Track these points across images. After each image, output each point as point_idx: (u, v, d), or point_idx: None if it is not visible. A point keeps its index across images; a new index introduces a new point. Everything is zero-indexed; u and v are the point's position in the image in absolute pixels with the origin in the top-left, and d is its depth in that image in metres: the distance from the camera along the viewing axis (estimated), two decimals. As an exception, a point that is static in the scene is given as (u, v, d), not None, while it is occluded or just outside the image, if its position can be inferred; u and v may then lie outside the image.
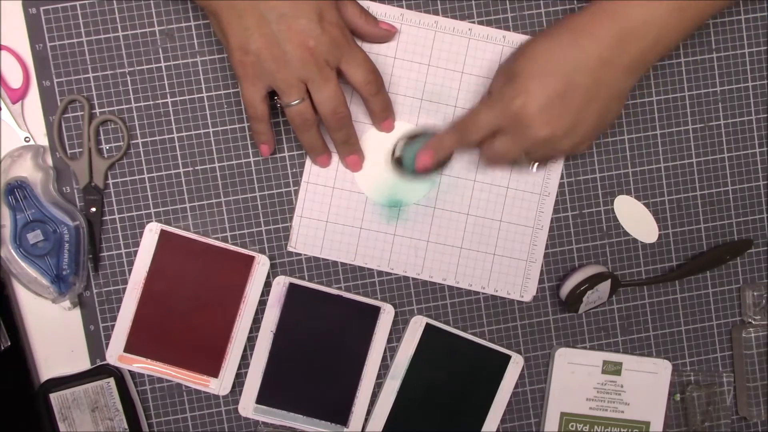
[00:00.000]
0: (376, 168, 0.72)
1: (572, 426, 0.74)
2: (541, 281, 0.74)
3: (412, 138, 0.70)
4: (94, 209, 0.71)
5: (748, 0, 0.73)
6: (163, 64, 0.70)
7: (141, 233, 0.71)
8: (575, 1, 0.72)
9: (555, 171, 0.73)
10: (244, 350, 0.72)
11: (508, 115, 0.63)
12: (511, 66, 0.65)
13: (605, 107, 0.64)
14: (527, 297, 0.74)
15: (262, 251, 0.72)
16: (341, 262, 0.73)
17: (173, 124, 0.71)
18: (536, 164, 0.72)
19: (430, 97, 0.72)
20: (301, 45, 0.61)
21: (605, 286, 0.71)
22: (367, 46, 0.70)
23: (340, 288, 0.73)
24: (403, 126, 0.72)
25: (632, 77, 0.64)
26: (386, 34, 0.70)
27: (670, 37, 0.62)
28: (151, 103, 0.71)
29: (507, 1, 0.72)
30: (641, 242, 0.74)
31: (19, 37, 0.70)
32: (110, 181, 0.71)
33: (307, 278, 0.72)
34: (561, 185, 0.73)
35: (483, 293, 0.74)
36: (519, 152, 0.66)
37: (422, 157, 0.68)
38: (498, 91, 0.65)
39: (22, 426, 0.71)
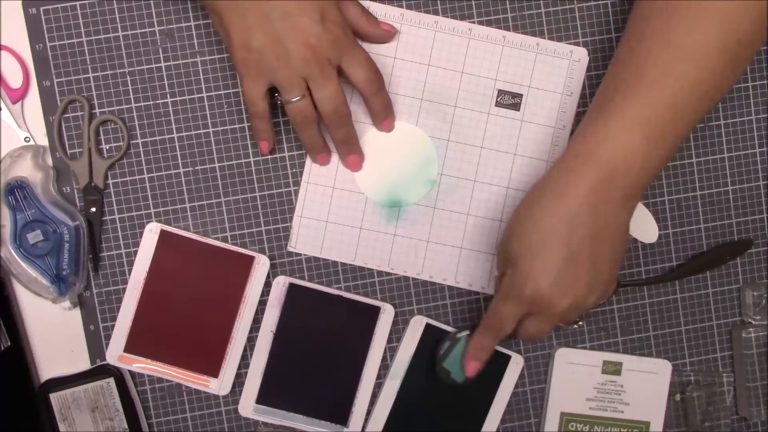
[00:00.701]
0: (376, 168, 0.72)
1: (572, 426, 0.74)
2: (541, 281, 0.74)
3: (448, 346, 0.70)
4: (94, 209, 0.71)
5: (747, 0, 0.73)
6: (163, 64, 0.70)
7: (141, 233, 0.71)
8: (575, 2, 0.72)
9: (555, 171, 0.73)
10: (244, 350, 0.72)
11: (526, 303, 0.61)
12: (506, 249, 0.63)
13: (613, 247, 0.61)
14: (527, 297, 0.74)
15: (262, 251, 0.72)
16: (341, 262, 0.73)
17: (173, 124, 0.71)
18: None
19: (430, 97, 0.72)
20: (303, 43, 0.61)
21: (605, 286, 0.71)
22: (367, 46, 0.70)
23: (340, 288, 0.73)
24: (403, 126, 0.72)
25: (628, 209, 0.62)
26: (387, 35, 0.70)
27: (655, 162, 0.60)
28: (151, 103, 0.71)
29: (507, 1, 0.72)
30: (641, 242, 0.74)
31: (19, 37, 0.70)
32: (110, 181, 0.71)
33: (307, 278, 0.73)
34: (561, 185, 0.73)
35: (483, 293, 0.74)
36: (552, 326, 0.64)
37: (472, 366, 0.67)
38: (508, 281, 0.62)
39: (22, 426, 0.71)
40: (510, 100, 0.72)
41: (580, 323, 0.72)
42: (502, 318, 0.63)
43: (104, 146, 0.71)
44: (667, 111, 0.59)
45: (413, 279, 0.73)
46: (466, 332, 0.69)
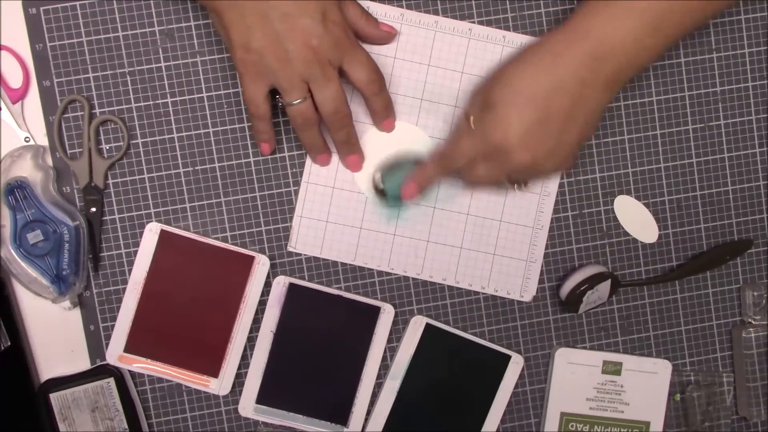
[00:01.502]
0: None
1: (572, 426, 0.74)
2: (541, 281, 0.74)
3: (391, 167, 0.71)
4: (94, 209, 0.71)
5: (748, 0, 0.73)
6: (163, 64, 0.70)
7: (141, 233, 0.71)
8: (575, 2, 0.72)
9: (555, 171, 0.73)
10: (244, 350, 0.72)
11: (489, 145, 0.63)
12: (488, 92, 0.64)
13: (584, 126, 0.63)
14: (527, 297, 0.74)
15: (262, 251, 0.72)
16: (341, 262, 0.73)
17: (173, 124, 0.71)
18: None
19: (430, 97, 0.72)
20: (304, 44, 0.61)
21: (605, 286, 0.71)
22: (367, 47, 0.70)
23: (340, 288, 0.73)
24: (403, 126, 0.72)
25: (609, 94, 0.63)
26: (386, 36, 0.70)
27: (644, 55, 0.62)
28: (151, 103, 0.71)
29: (507, 1, 0.72)
30: (641, 242, 0.74)
31: (19, 37, 0.70)
32: (110, 181, 0.71)
33: (307, 278, 0.73)
34: (561, 185, 0.73)
35: (483, 293, 0.74)
36: (501, 177, 0.66)
37: (408, 188, 0.69)
38: (477, 120, 0.64)
39: (22, 426, 0.71)
40: (510, 100, 0.72)
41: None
42: (459, 151, 0.66)
43: (104, 146, 0.71)
44: (665, 4, 0.60)
45: (413, 279, 0.73)
46: (415, 159, 0.70)
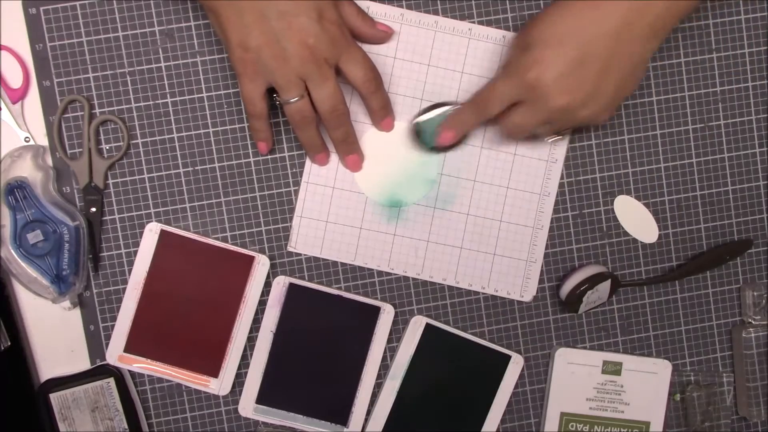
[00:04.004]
0: (376, 168, 0.72)
1: (572, 426, 0.74)
2: (541, 281, 0.74)
3: (429, 110, 0.70)
4: (94, 209, 0.71)
5: (748, 0, 0.73)
6: (163, 64, 0.70)
7: (141, 233, 0.71)
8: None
9: (555, 170, 0.73)
10: (244, 350, 0.72)
11: (525, 86, 0.63)
12: (525, 35, 0.64)
13: (624, 76, 0.63)
14: (527, 297, 0.74)
15: (262, 251, 0.72)
16: (341, 262, 0.73)
17: (173, 124, 0.71)
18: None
19: (430, 97, 0.72)
20: (300, 43, 0.61)
21: (605, 286, 0.71)
22: (366, 47, 0.70)
23: (340, 288, 0.73)
24: (403, 126, 0.72)
25: (652, 43, 0.62)
26: (383, 36, 0.70)
27: (685, 2, 0.61)
28: (151, 103, 0.71)
29: (507, 1, 0.72)
30: (641, 242, 0.74)
31: (19, 37, 0.70)
32: (110, 181, 0.71)
33: (307, 278, 0.73)
34: (561, 185, 0.73)
35: (483, 293, 0.74)
36: (538, 123, 0.65)
37: (444, 133, 0.69)
38: (514, 62, 0.64)
39: (22, 426, 0.71)
40: (510, 100, 0.72)
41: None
42: (494, 96, 0.65)
43: (104, 146, 0.71)
44: None
45: (413, 279, 0.73)
46: (453, 105, 0.70)
